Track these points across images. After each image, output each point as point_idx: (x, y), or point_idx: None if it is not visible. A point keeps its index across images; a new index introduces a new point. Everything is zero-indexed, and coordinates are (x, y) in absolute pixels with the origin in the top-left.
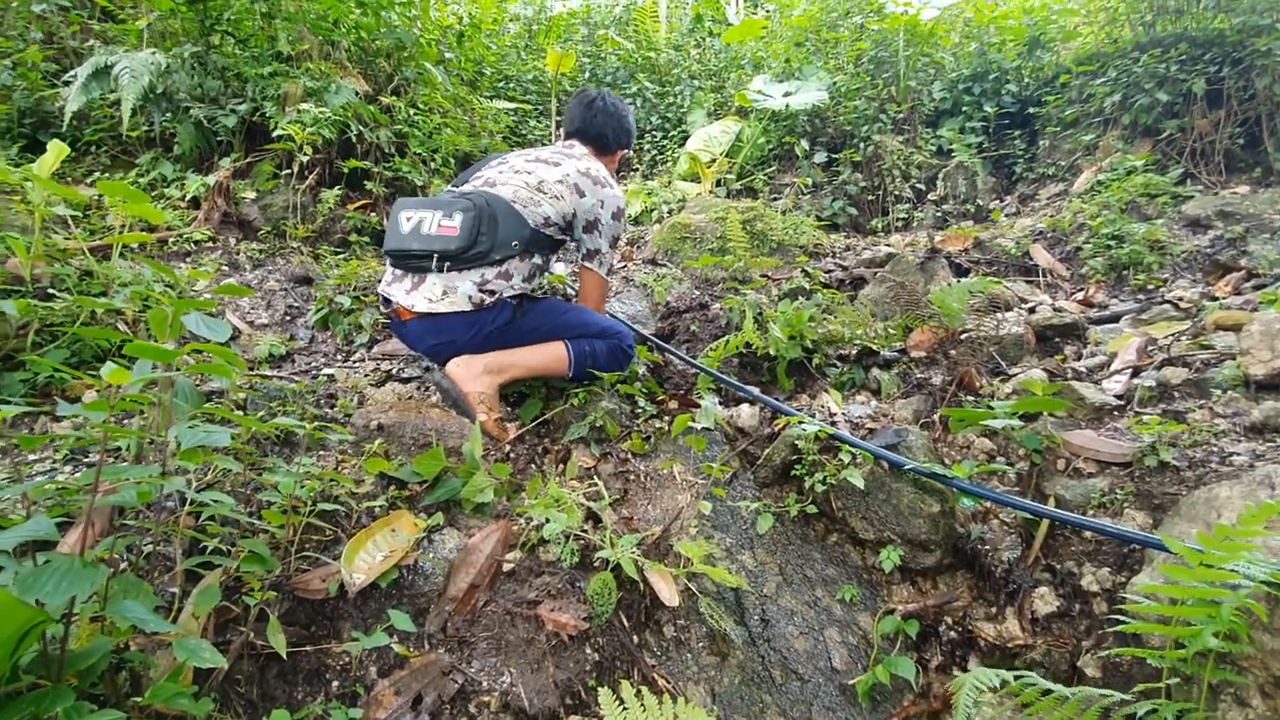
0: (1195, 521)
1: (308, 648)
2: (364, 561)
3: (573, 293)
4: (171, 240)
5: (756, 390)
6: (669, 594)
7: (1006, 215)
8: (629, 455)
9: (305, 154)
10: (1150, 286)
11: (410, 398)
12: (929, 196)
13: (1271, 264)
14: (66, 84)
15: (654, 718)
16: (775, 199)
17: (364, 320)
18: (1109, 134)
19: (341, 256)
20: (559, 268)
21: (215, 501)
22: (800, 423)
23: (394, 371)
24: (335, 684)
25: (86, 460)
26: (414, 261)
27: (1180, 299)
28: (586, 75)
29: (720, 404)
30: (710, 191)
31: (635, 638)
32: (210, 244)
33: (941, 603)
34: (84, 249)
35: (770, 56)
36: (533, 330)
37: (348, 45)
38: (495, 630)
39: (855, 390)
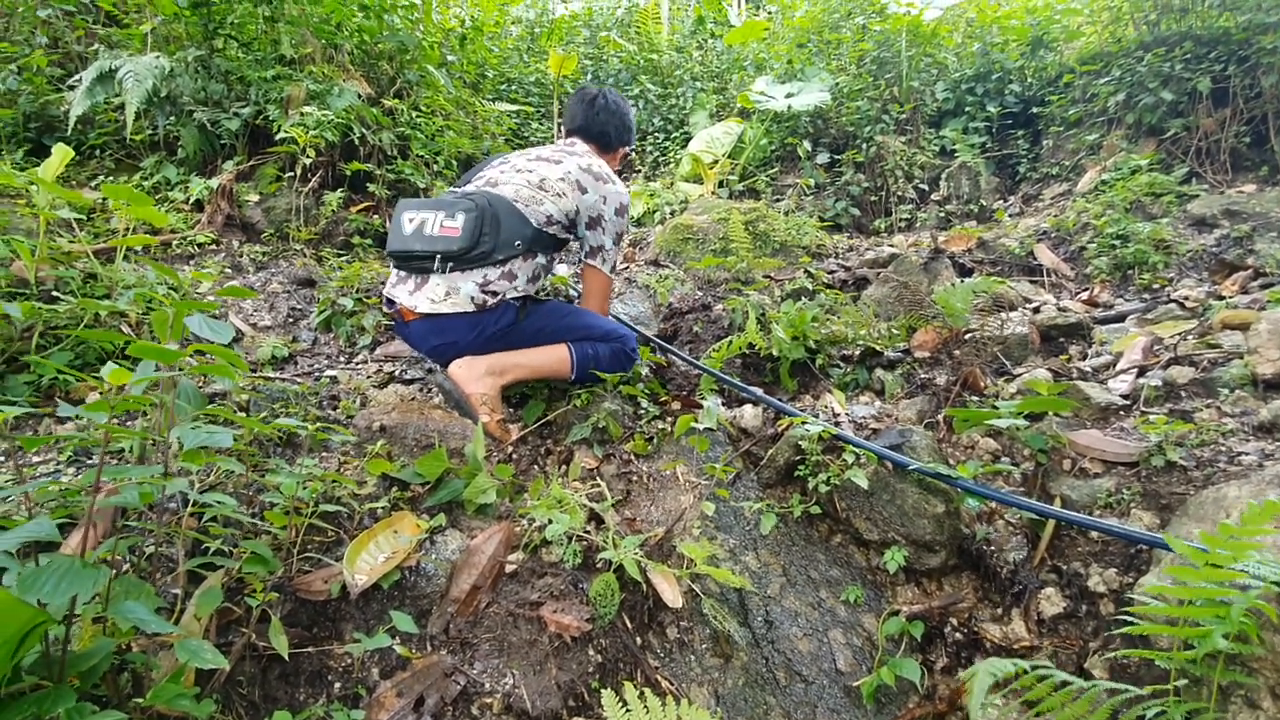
0: (1203, 522)
1: (310, 649)
2: (366, 563)
3: (575, 295)
4: (175, 243)
5: (759, 391)
6: (672, 595)
7: (1010, 215)
8: (632, 456)
9: (308, 157)
10: (1156, 286)
11: (413, 399)
12: (932, 197)
13: (1279, 262)
14: (71, 88)
15: (657, 719)
16: (778, 200)
17: (366, 322)
18: (1113, 133)
19: (344, 259)
20: (561, 269)
21: (218, 503)
22: (803, 423)
23: (396, 373)
24: (337, 685)
25: (90, 461)
26: (417, 262)
27: (1186, 298)
28: (589, 77)
29: (723, 405)
30: (713, 193)
31: (638, 639)
32: (214, 247)
33: (946, 604)
34: (88, 252)
35: (772, 58)
36: (536, 332)
37: (350, 48)
38: (498, 632)
39: (859, 391)
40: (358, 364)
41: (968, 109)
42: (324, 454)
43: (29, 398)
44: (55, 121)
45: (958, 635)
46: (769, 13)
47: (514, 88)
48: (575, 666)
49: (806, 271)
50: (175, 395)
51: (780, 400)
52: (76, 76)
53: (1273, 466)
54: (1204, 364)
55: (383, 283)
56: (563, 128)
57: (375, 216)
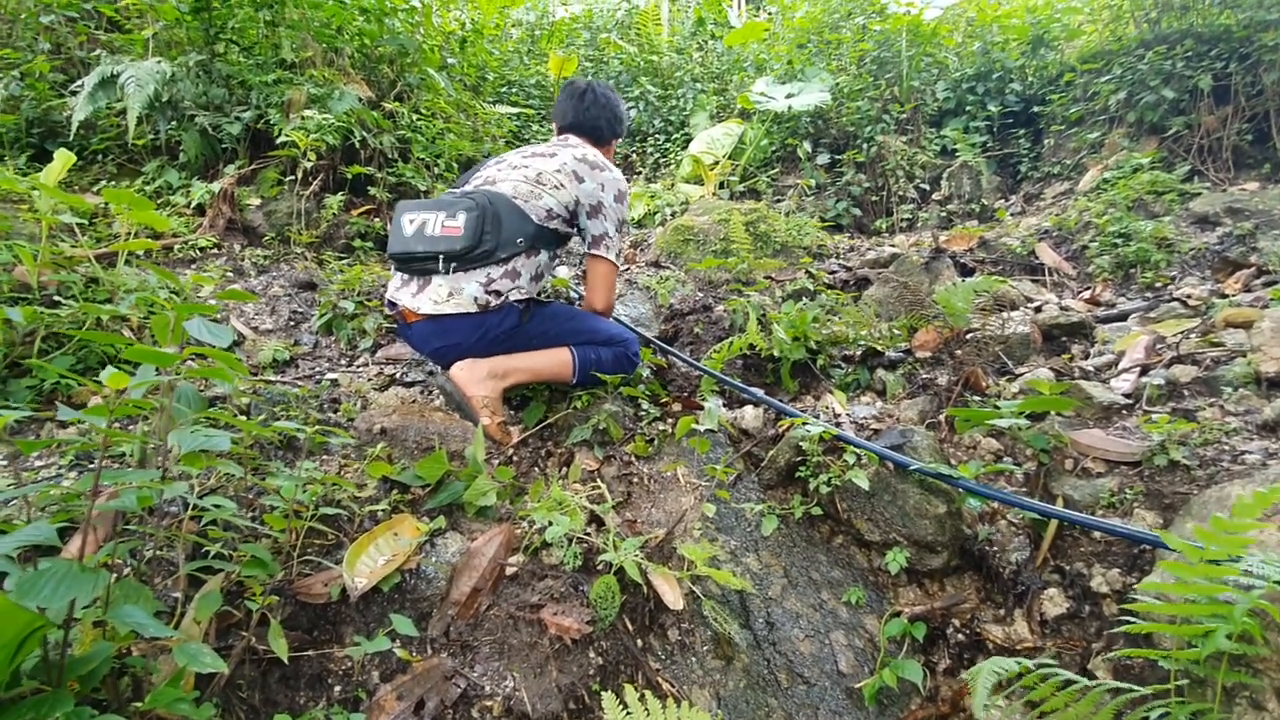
0: (1206, 521)
1: (310, 652)
2: (366, 565)
3: (576, 297)
4: (177, 247)
5: (760, 392)
6: (673, 597)
7: (1012, 214)
8: (632, 458)
9: (309, 160)
10: (1158, 284)
11: (414, 401)
12: (933, 196)
13: None
14: (73, 94)
15: None
16: (779, 200)
17: (368, 325)
18: (1114, 132)
19: (345, 262)
20: (562, 271)
21: (217, 506)
22: (804, 424)
23: (397, 376)
24: (337, 689)
25: (91, 465)
26: (419, 264)
27: (1189, 296)
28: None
29: (724, 406)
30: (713, 194)
31: (639, 641)
32: (215, 250)
33: (949, 605)
34: (90, 256)
35: (772, 58)
36: (539, 335)
37: (351, 52)
38: (498, 634)
39: (860, 391)
40: (359, 367)
41: (969, 108)
42: (324, 457)
43: (30, 402)
44: (58, 127)
45: (960, 636)
46: (769, 13)
47: (515, 90)
48: (576, 669)
49: (807, 272)
50: (174, 399)
51: (781, 401)
52: (79, 82)
53: (1277, 465)
54: (1207, 362)
55: (384, 286)
56: (555, 125)
57: (376, 219)
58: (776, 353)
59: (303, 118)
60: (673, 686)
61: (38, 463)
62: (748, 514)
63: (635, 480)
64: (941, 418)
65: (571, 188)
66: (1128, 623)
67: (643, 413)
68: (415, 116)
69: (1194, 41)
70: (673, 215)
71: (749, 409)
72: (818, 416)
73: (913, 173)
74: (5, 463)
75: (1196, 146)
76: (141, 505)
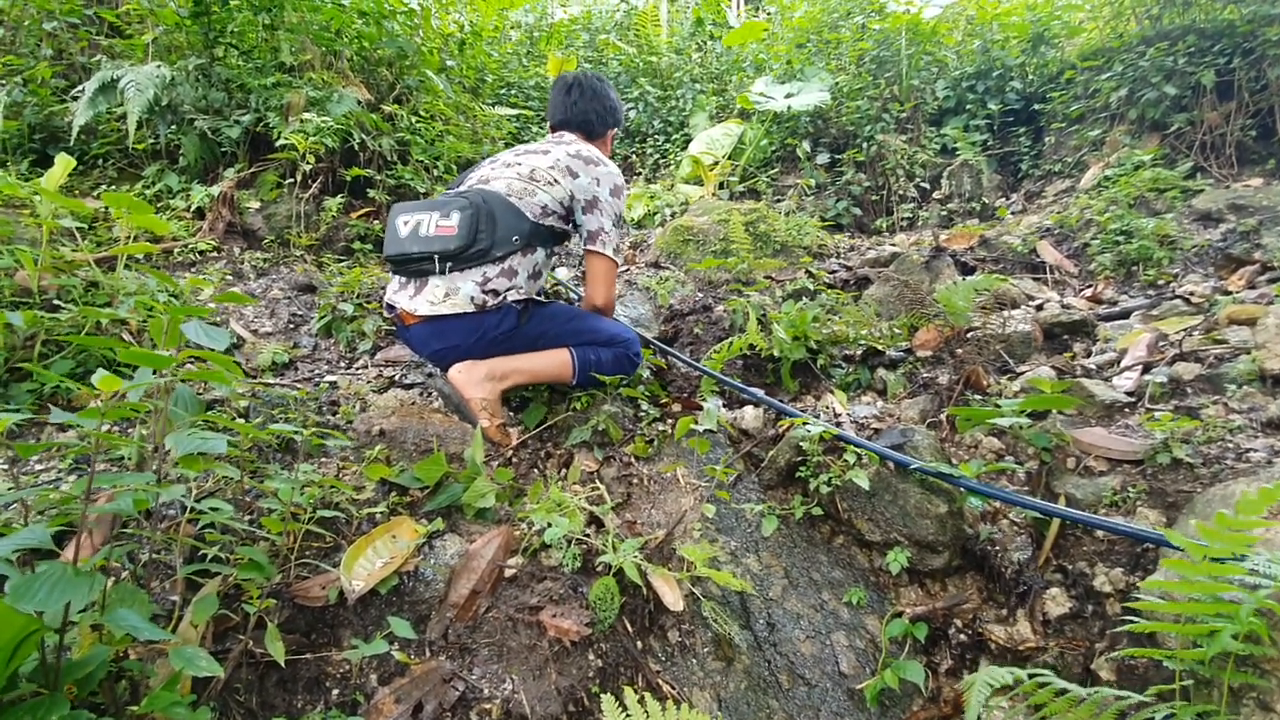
0: (1210, 519)
1: (307, 655)
2: (363, 568)
3: (575, 298)
4: (177, 251)
5: (760, 392)
6: (673, 598)
7: (1013, 213)
8: (632, 459)
9: (308, 163)
10: (1160, 282)
11: (413, 403)
12: (934, 195)
13: None
14: (75, 99)
15: None
16: (778, 200)
17: (367, 327)
18: (1116, 129)
19: (345, 264)
20: (561, 272)
21: (213, 509)
22: (804, 424)
23: (396, 378)
24: (335, 692)
25: (94, 469)
26: (415, 265)
27: (1192, 294)
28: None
29: (724, 406)
30: (713, 194)
31: (639, 643)
32: (215, 254)
33: (950, 605)
34: (90, 260)
35: (771, 58)
36: (538, 336)
37: (350, 55)
38: (497, 637)
39: (861, 391)
40: (358, 369)
41: (969, 107)
42: (323, 459)
43: (30, 405)
44: (59, 132)
45: (962, 637)
46: (768, 13)
47: (514, 92)
48: (575, 671)
49: (807, 272)
50: (171, 402)
51: (781, 401)
52: (80, 87)
53: None
54: (1210, 360)
55: (383, 288)
56: (549, 124)
57: (375, 222)
58: (776, 353)
59: (302, 121)
60: (673, 688)
61: (37, 466)
62: (748, 514)
63: (635, 481)
64: (943, 417)
65: (566, 183)
66: (1131, 622)
67: (642, 413)
68: (414, 119)
69: (1196, 37)
70: (672, 216)
71: (749, 409)
72: (818, 416)
73: (913, 171)
74: (5, 466)
75: (1199, 143)
76: (137, 508)
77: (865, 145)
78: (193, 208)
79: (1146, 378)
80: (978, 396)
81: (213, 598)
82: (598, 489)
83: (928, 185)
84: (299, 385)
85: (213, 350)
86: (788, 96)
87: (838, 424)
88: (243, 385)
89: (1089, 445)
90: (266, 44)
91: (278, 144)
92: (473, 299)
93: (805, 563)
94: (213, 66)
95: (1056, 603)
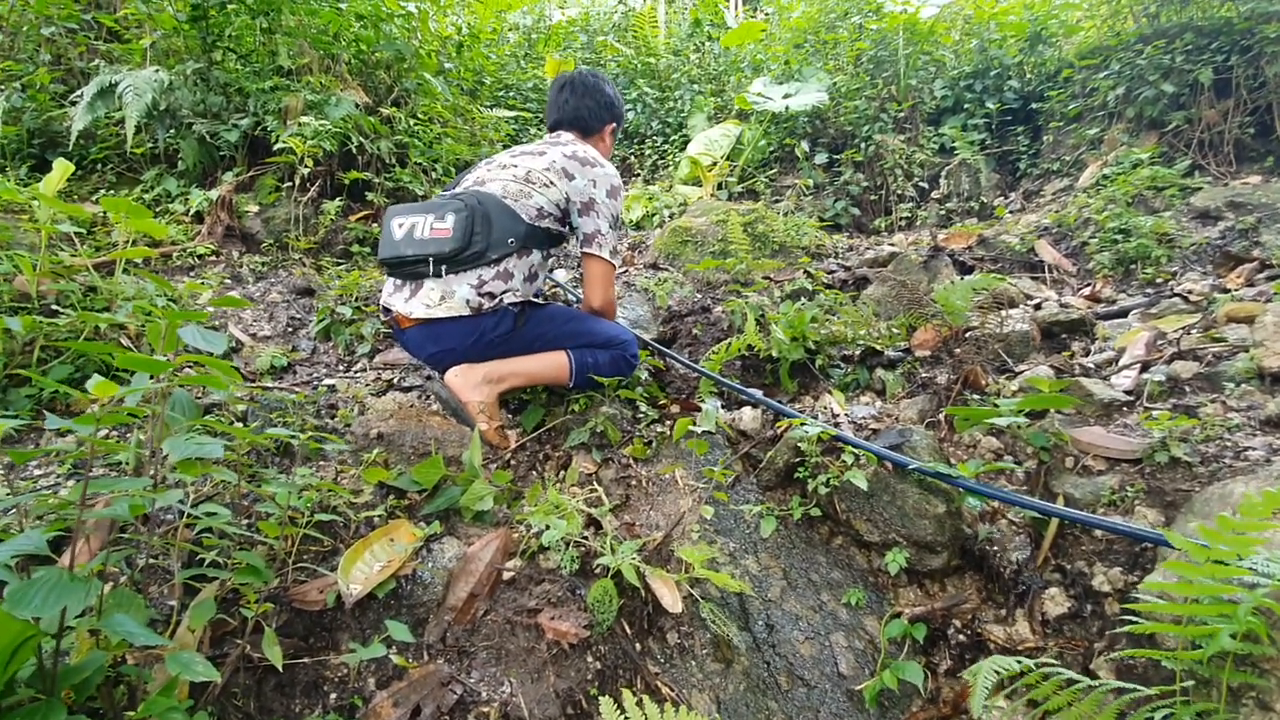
0: (1209, 519)
1: (305, 660)
2: (361, 572)
3: (574, 300)
4: (175, 255)
5: (758, 393)
6: (672, 600)
7: (1011, 212)
8: (630, 460)
9: (306, 166)
10: (1159, 280)
11: (411, 406)
12: (932, 195)
13: None
14: (73, 104)
15: None
16: (777, 201)
17: (365, 330)
18: (1113, 128)
19: (343, 267)
20: (559, 274)
21: (210, 514)
22: (802, 424)
23: (395, 381)
24: (333, 696)
25: (90, 474)
26: (409, 268)
27: (1190, 292)
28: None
29: (723, 407)
30: (711, 195)
31: (638, 645)
32: (214, 258)
33: (949, 605)
34: (88, 265)
35: (769, 59)
36: (535, 339)
37: (348, 58)
38: (495, 640)
39: (860, 391)
40: (356, 372)
41: (966, 106)
42: (321, 463)
43: (29, 411)
44: (58, 137)
45: (961, 637)
46: (766, 14)
47: (512, 94)
48: (574, 674)
49: (806, 272)
50: (167, 406)
51: (780, 402)
52: (78, 92)
53: None
54: (1209, 358)
55: (381, 290)
56: (545, 125)
57: (374, 225)
58: (775, 353)
59: (300, 124)
60: (672, 690)
61: (36, 471)
62: (746, 515)
63: (633, 483)
64: (941, 417)
65: (561, 185)
66: (1130, 622)
67: (640, 415)
68: (412, 121)
69: (1194, 35)
70: (671, 217)
71: (747, 410)
72: (816, 417)
73: (911, 171)
74: (2, 472)
75: (1197, 141)
76: (133, 514)
77: (863, 145)
78: (191, 212)
79: (1145, 376)
80: (976, 396)
81: (210, 602)
82: (596, 491)
83: (926, 185)
84: (297, 389)
85: (210, 355)
86: (786, 97)
87: (836, 424)
88: (241, 389)
89: (1087, 444)
90: (264, 48)
91: (276, 147)
92: (468, 302)
93: (804, 564)
94: (211, 70)
95: (1055, 603)
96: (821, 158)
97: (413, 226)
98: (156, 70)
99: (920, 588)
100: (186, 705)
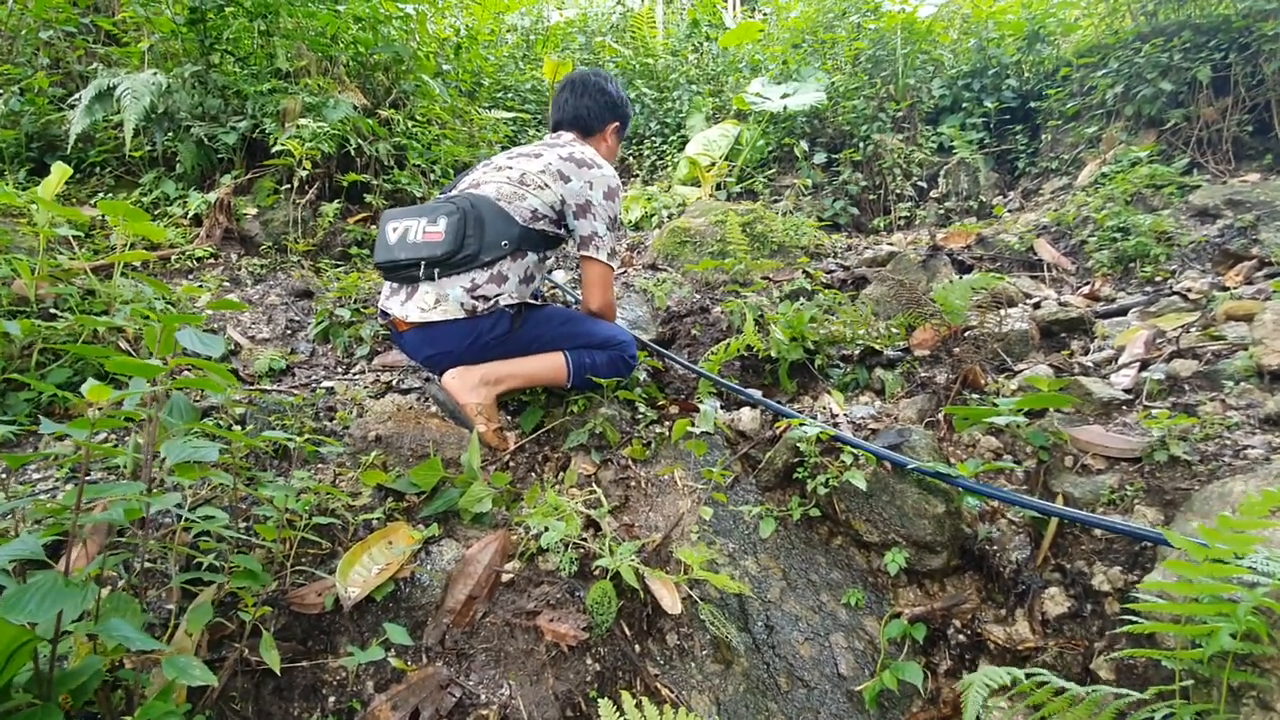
0: (1208, 518)
1: (304, 663)
2: (359, 575)
3: (573, 301)
4: (174, 258)
5: (757, 393)
6: (671, 601)
7: (1010, 210)
8: (629, 461)
9: (305, 169)
10: (1158, 278)
11: (410, 408)
12: (931, 194)
13: None
14: (72, 107)
15: None
16: (776, 201)
17: (364, 333)
18: (1112, 126)
19: (342, 269)
20: (558, 275)
21: (207, 517)
22: (801, 425)
23: (394, 383)
24: (331, 699)
25: (86, 478)
26: (403, 271)
27: (1189, 290)
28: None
29: (722, 407)
30: (710, 195)
31: (637, 647)
32: (212, 260)
33: (949, 605)
34: (86, 269)
35: (767, 59)
36: (533, 340)
37: (346, 60)
38: (494, 642)
39: (859, 391)
40: (355, 374)
41: (965, 105)
42: (319, 465)
43: (27, 415)
44: (57, 140)
45: (961, 637)
46: (764, 14)
47: (510, 95)
48: (573, 676)
49: (805, 272)
50: (162, 410)
51: (779, 402)
52: (76, 96)
53: None
54: (1208, 356)
55: (379, 293)
56: (546, 126)
57: (373, 227)
58: (774, 353)
59: (298, 126)
60: (671, 692)
61: (35, 475)
62: (745, 516)
63: (632, 484)
64: (940, 416)
65: (556, 187)
66: (1130, 622)
67: (639, 416)
68: (411, 123)
69: (1192, 33)
70: (670, 217)
71: (746, 410)
72: (815, 417)
73: (910, 170)
74: (1, 476)
75: (1195, 139)
76: (130, 518)
77: (862, 145)
78: (190, 214)
79: (1144, 375)
80: (975, 395)
81: (207, 606)
82: (595, 492)
83: (925, 184)
84: (296, 391)
85: (207, 358)
86: (784, 97)
87: (835, 424)
88: (239, 392)
89: (1087, 443)
90: (262, 50)
91: (274, 150)
92: (462, 305)
93: (803, 564)
94: (209, 73)
95: (1055, 602)
96: (820, 157)
97: (406, 230)
98: (154, 73)
99: (920, 588)
100: (184, 709)
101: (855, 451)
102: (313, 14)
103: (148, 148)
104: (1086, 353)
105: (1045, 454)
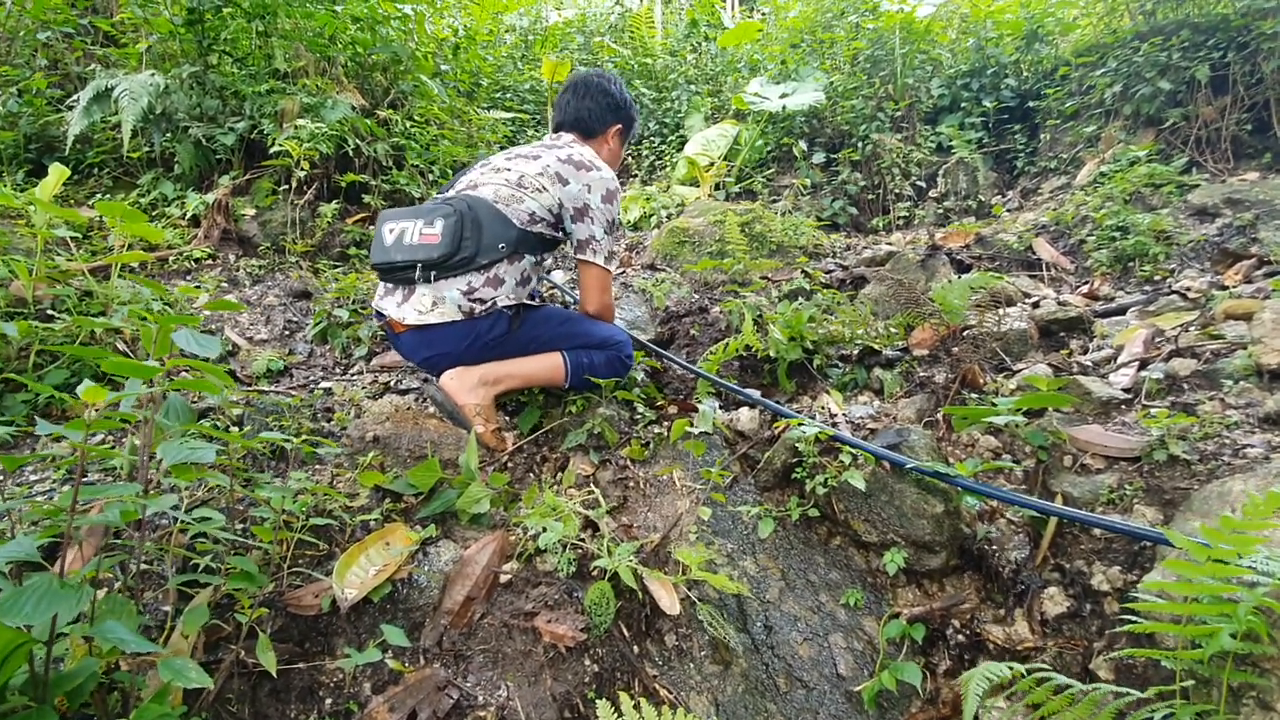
0: (1208, 517)
1: (300, 665)
2: (356, 576)
3: (572, 301)
4: (172, 259)
5: (756, 393)
6: (669, 602)
7: (1008, 210)
8: (628, 462)
9: (303, 169)
10: (1157, 277)
11: (408, 409)
12: (930, 194)
13: None
14: (70, 109)
15: None
16: (775, 201)
17: (362, 333)
18: (1111, 125)
19: (340, 270)
20: (557, 275)
21: (204, 519)
22: (800, 425)
23: (392, 383)
24: (329, 701)
25: (84, 480)
26: (400, 273)
27: (1188, 289)
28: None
29: (720, 407)
30: (709, 195)
31: (635, 648)
32: (210, 261)
33: (948, 605)
34: (84, 270)
35: (766, 59)
36: (531, 341)
37: (344, 61)
38: (492, 643)
39: (858, 390)
40: (353, 375)
41: (964, 105)
42: (317, 466)
43: (22, 417)
44: (55, 142)
45: (960, 637)
46: (762, 14)
47: (509, 95)
48: (571, 677)
49: (803, 272)
50: (158, 411)
51: (778, 402)
52: (74, 97)
53: (1279, 459)
54: (1206, 355)
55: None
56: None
57: (371, 227)
58: (773, 353)
59: (296, 127)
60: (670, 693)
61: (33, 477)
62: (744, 516)
63: (631, 484)
64: (939, 416)
65: (554, 191)
66: (1130, 622)
67: (638, 416)
68: (409, 123)
69: (1190, 32)
70: (668, 218)
71: (744, 410)
72: (814, 417)
73: (909, 170)
74: (1, 477)
75: (1194, 138)
76: (125, 520)
77: (861, 144)
78: (188, 215)
79: (1143, 374)
80: (974, 395)
81: (203, 608)
82: (593, 493)
83: (924, 183)
84: (294, 392)
85: (203, 359)
86: (783, 97)
87: (833, 424)
88: (237, 393)
89: (1086, 443)
90: (260, 51)
91: (272, 151)
92: (460, 307)
93: (802, 564)
94: (207, 74)
95: (1054, 602)
96: (819, 157)
97: (403, 232)
98: (152, 74)
99: (919, 588)
100: (180, 712)
101: (854, 451)
102: (311, 14)
103: (146, 149)
104: (1085, 352)
105: (1044, 453)
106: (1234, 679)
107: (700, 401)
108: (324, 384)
